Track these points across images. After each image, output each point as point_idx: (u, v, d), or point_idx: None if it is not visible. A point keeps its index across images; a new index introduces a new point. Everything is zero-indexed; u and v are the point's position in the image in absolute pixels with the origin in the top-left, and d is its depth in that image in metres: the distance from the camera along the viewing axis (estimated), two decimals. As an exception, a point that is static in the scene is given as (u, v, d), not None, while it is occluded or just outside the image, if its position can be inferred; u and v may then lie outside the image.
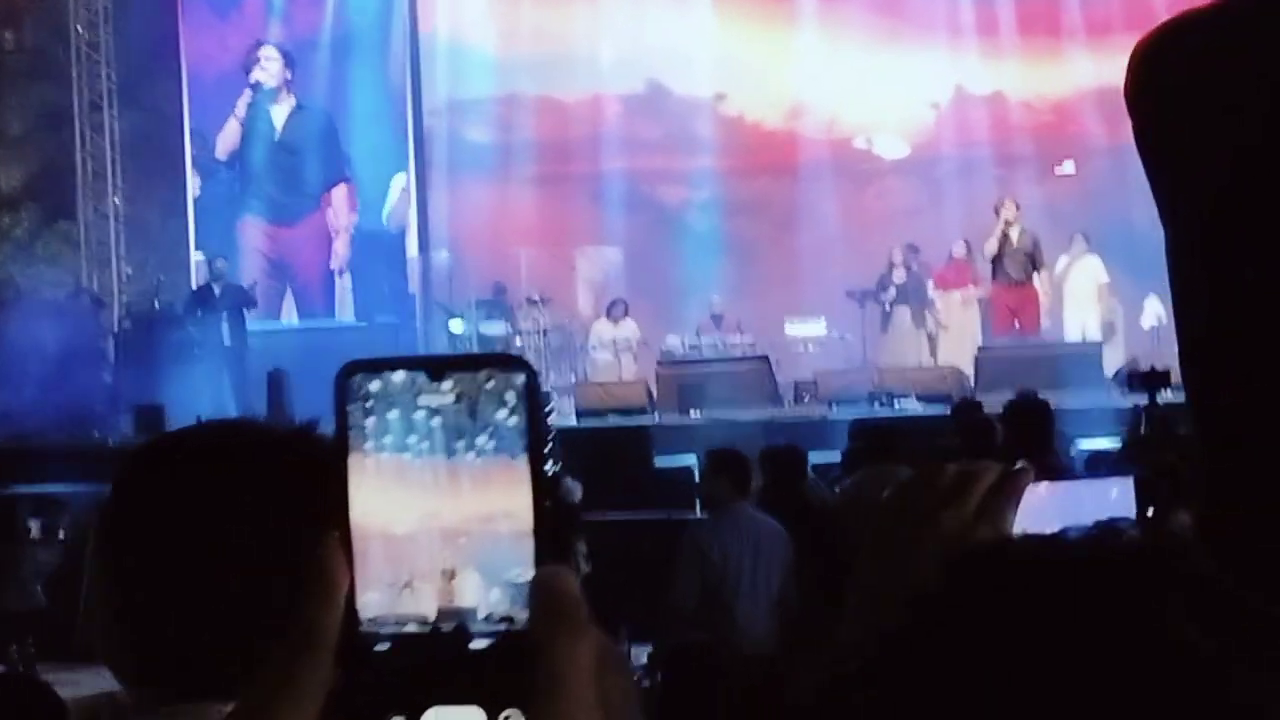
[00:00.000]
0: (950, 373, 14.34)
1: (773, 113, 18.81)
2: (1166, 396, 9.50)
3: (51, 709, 6.46)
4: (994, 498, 1.16)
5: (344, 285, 18.30)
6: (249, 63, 18.33)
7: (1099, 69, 17.35)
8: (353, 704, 0.70)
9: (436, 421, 0.70)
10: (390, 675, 0.70)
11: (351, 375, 0.71)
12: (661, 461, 12.33)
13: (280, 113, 18.32)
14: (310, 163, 18.22)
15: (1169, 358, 13.78)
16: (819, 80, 18.43)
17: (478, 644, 0.71)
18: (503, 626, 0.71)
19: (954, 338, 16.05)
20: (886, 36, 18.16)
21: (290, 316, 17.81)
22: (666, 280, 17.94)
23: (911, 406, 13.62)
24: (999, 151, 18.11)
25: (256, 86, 18.23)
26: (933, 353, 16.10)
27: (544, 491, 0.70)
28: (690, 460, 11.34)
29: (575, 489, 9.19)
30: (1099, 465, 8.05)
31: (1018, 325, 15.59)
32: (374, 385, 0.70)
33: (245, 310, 15.97)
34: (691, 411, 13.60)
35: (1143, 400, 12.10)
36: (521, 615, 0.70)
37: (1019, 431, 7.16)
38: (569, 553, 7.50)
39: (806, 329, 16.91)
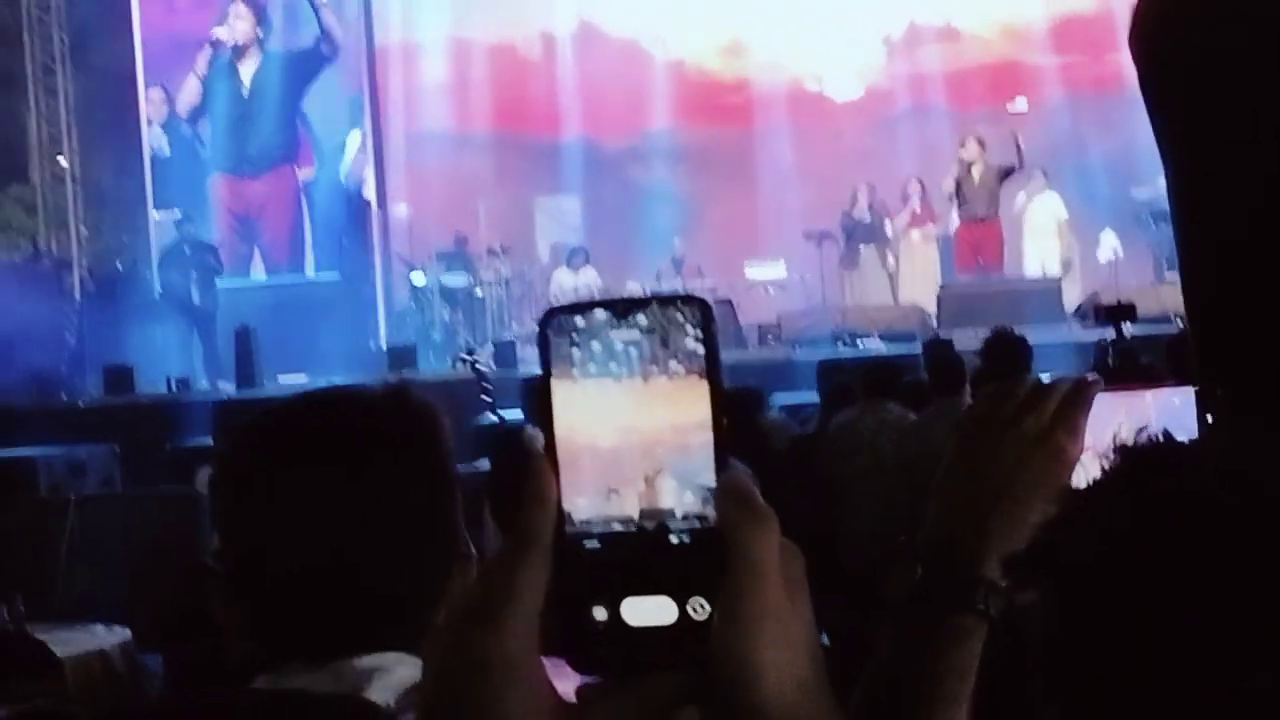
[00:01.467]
0: (912, 310, 14.49)
1: (723, 57, 18.82)
2: (1130, 330, 9.63)
3: (50, 665, 6.55)
4: (1068, 405, 1.29)
5: (304, 239, 18.27)
6: (217, 18, 18.18)
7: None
8: (560, 596, 0.81)
9: (630, 350, 0.83)
10: (592, 570, 0.82)
11: (552, 317, 0.84)
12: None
13: (247, 69, 18.21)
14: (275, 118, 18.14)
15: (1129, 291, 14.02)
16: (766, 20, 18.44)
17: (676, 539, 0.82)
18: (697, 524, 0.83)
19: (915, 275, 16.19)
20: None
21: (259, 272, 17.77)
22: (625, 227, 18.00)
23: (875, 345, 13.77)
24: (952, 89, 18.19)
25: (218, 44, 18.08)
26: (894, 291, 16.22)
27: (721, 406, 0.83)
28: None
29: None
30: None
31: (980, 261, 15.74)
32: (572, 323, 0.83)
33: (213, 267, 15.91)
34: (657, 356, 13.64)
35: (1109, 334, 12.34)
36: (713, 514, 0.83)
37: (999, 365, 7.30)
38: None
39: (767, 271, 17.01)
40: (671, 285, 16.40)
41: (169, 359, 15.18)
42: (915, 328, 14.11)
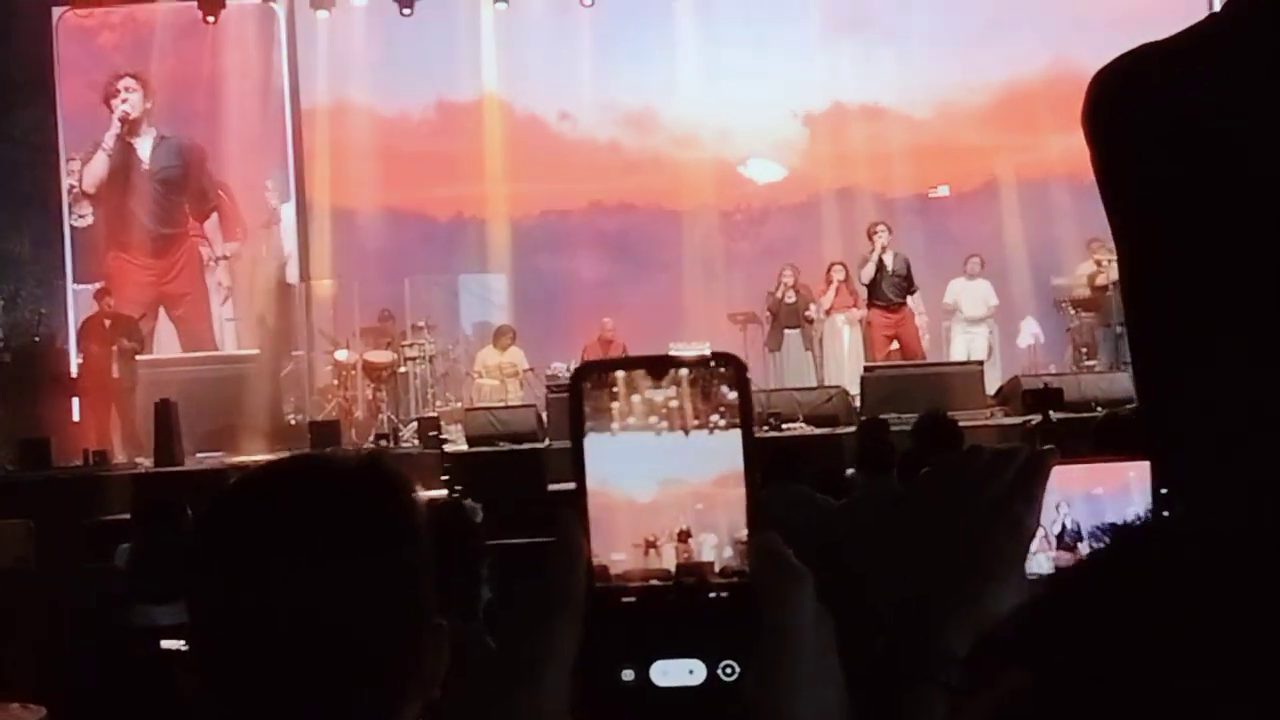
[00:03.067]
0: (836, 394, 14.56)
1: (646, 135, 18.96)
2: (1055, 415, 9.80)
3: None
4: (1026, 475, 1.28)
5: (224, 314, 18.11)
6: (109, 94, 18.09)
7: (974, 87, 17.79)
8: (590, 656, 0.80)
9: (669, 405, 0.82)
10: (625, 629, 0.81)
11: (587, 372, 0.83)
12: (554, 486, 12.39)
13: (145, 144, 18.10)
14: (181, 192, 18.03)
15: (1048, 377, 14.21)
16: (694, 101, 18.61)
17: (714, 594, 0.82)
18: (735, 580, 0.82)
19: (838, 359, 16.29)
20: (757, 49, 18.39)
21: (174, 348, 17.56)
22: (551, 306, 18.03)
23: (799, 429, 13.82)
24: (875, 173, 18.41)
25: (124, 119, 18.01)
26: (818, 375, 16.30)
27: (755, 462, 0.82)
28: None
29: (477, 511, 9.21)
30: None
31: (896, 346, 15.90)
32: (609, 378, 0.83)
33: (134, 341, 15.72)
34: (583, 436, 13.61)
35: (1033, 418, 12.52)
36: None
37: (928, 446, 7.34)
38: (478, 576, 7.50)
39: (691, 353, 16.97)
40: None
41: (86, 433, 14.97)
42: (839, 411, 14.19)
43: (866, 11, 18.28)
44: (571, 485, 0.84)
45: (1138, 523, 0.90)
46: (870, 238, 16.04)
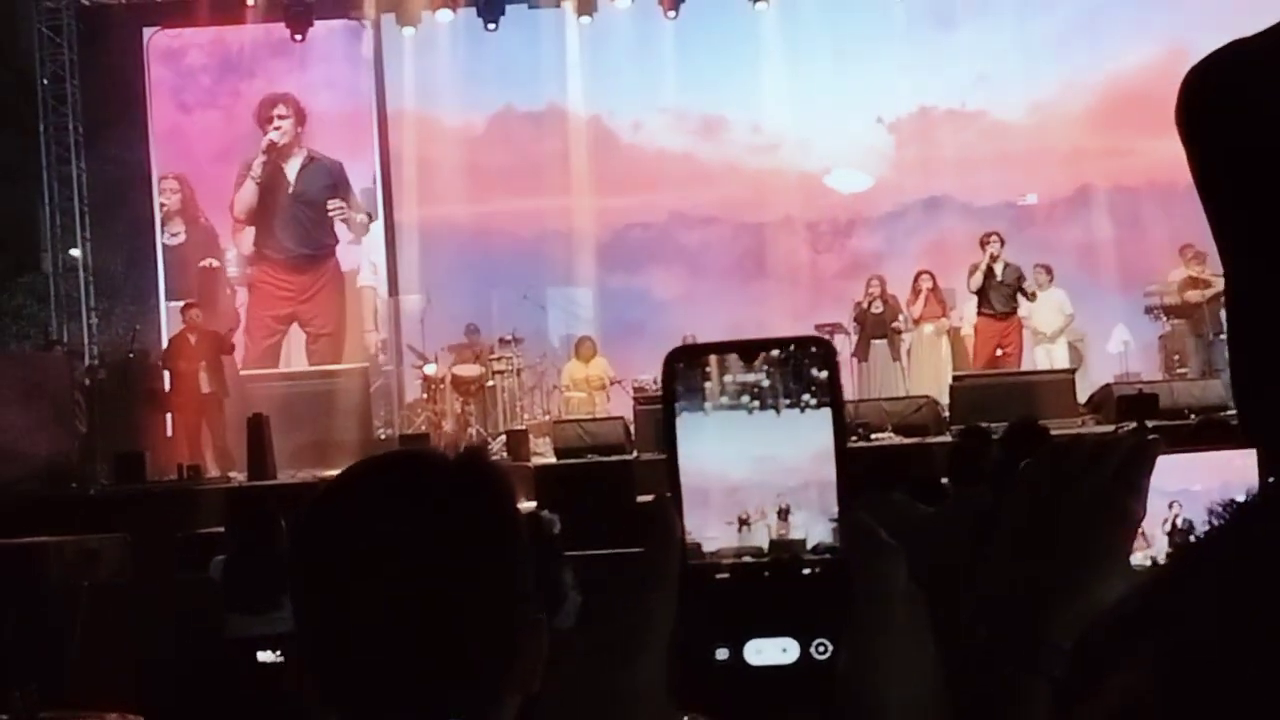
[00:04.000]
0: (925, 403, 14.44)
1: (734, 147, 18.94)
2: (1151, 422, 9.64)
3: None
4: (1131, 465, 1.25)
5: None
6: (262, 119, 18.38)
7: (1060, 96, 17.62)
8: (684, 636, 0.80)
9: (761, 384, 0.82)
10: (719, 607, 0.80)
11: (678, 357, 0.83)
12: (644, 498, 12.38)
13: (293, 166, 18.38)
14: (324, 212, 18.32)
15: (1141, 383, 14.02)
16: (777, 111, 18.58)
17: (808, 570, 0.81)
18: (828, 556, 0.81)
19: (925, 369, 16.19)
20: (840, 56, 18.32)
21: (299, 361, 17.87)
22: (636, 319, 18.05)
23: (888, 438, 13.73)
24: (963, 181, 18.29)
25: (271, 145, 18.31)
26: (905, 384, 16.21)
27: (845, 440, 0.82)
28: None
29: (554, 522, 9.23)
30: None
31: (1001, 355, 15.75)
32: (702, 358, 0.83)
33: (222, 355, 15.94)
34: (671, 448, 13.62)
35: (1124, 427, 12.35)
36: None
37: (1020, 455, 7.24)
38: (558, 583, 7.54)
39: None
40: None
41: (179, 447, 15.19)
42: (928, 421, 14.07)
43: (952, 11, 18.16)
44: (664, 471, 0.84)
45: (1249, 502, 0.88)
46: (983, 246, 15.91)
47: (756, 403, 0.83)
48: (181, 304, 16.64)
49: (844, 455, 0.83)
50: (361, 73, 18.76)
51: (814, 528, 0.82)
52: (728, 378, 0.83)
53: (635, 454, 13.78)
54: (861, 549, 0.81)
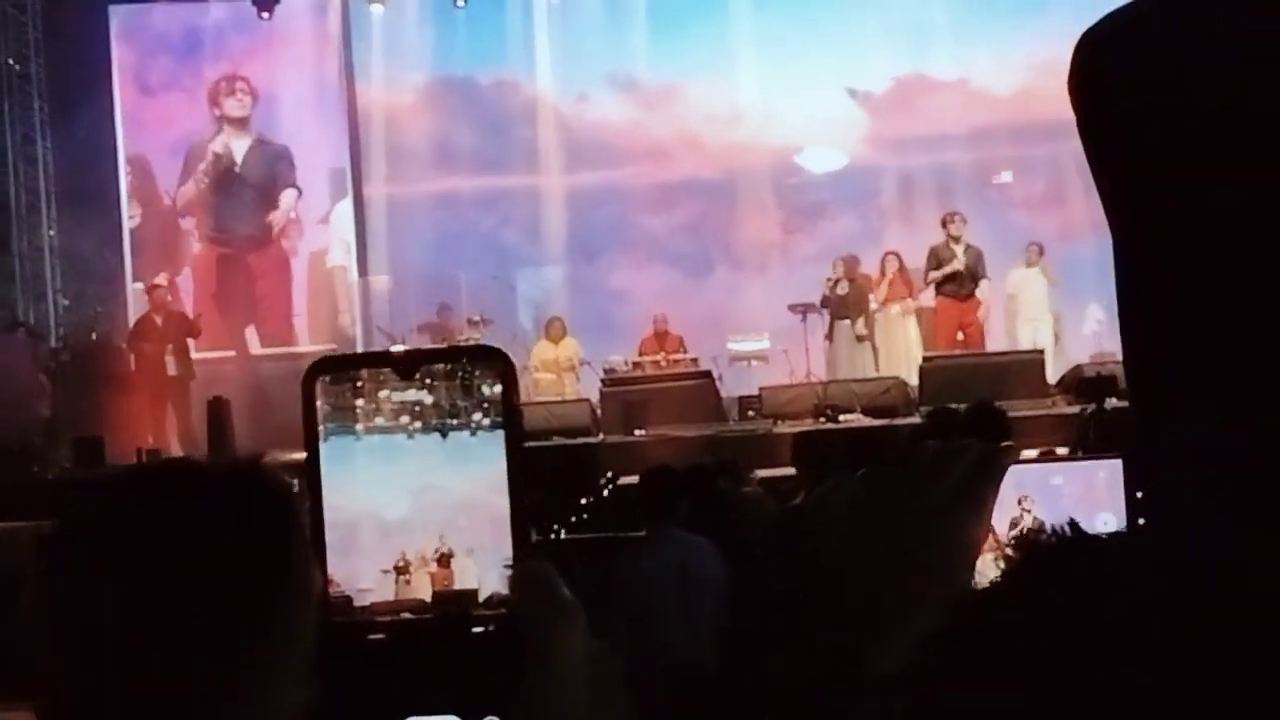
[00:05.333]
0: (894, 384, 14.38)
1: (708, 124, 18.81)
2: (1113, 402, 9.55)
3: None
4: (975, 477, 1.13)
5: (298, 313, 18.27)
6: (219, 93, 18.20)
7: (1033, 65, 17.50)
8: (329, 714, 0.67)
9: (413, 408, 0.69)
10: (370, 677, 0.68)
11: (318, 374, 0.70)
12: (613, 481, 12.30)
13: (240, 146, 18.20)
14: (268, 196, 18.14)
15: (1113, 366, 13.97)
16: (753, 87, 18.45)
17: (480, 628, 0.68)
18: (504, 610, 0.68)
19: (895, 350, 16.11)
20: (817, 33, 18.17)
21: (254, 346, 17.73)
22: (607, 299, 17.96)
23: (856, 419, 13.66)
24: (935, 160, 18.17)
25: (225, 119, 18.12)
26: (876, 366, 16.13)
27: (520, 466, 0.68)
28: (635, 479, 11.30)
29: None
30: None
31: (962, 337, 15.71)
32: (352, 374, 0.70)
33: (189, 339, 15.82)
34: (636, 430, 13.59)
35: (1089, 406, 12.27)
36: None
37: (979, 437, 7.13)
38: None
39: (749, 344, 16.91)
40: (654, 358, 16.32)
41: (141, 430, 15.06)
42: (897, 402, 14.01)
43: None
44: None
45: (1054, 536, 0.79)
46: (944, 226, 15.84)
47: (418, 424, 0.69)
48: (147, 286, 16.51)
49: (520, 487, 0.69)
50: (328, 50, 18.59)
51: (488, 575, 0.69)
52: (384, 394, 0.69)
53: (601, 436, 13.72)
54: (533, 607, 0.68)
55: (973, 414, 7.95)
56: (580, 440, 13.40)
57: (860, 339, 16.25)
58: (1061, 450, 10.24)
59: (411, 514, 0.68)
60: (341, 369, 0.69)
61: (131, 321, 16.85)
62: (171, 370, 15.43)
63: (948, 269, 15.68)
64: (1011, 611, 0.71)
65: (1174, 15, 1.35)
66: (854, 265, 16.57)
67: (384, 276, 18.21)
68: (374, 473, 0.68)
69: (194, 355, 16.03)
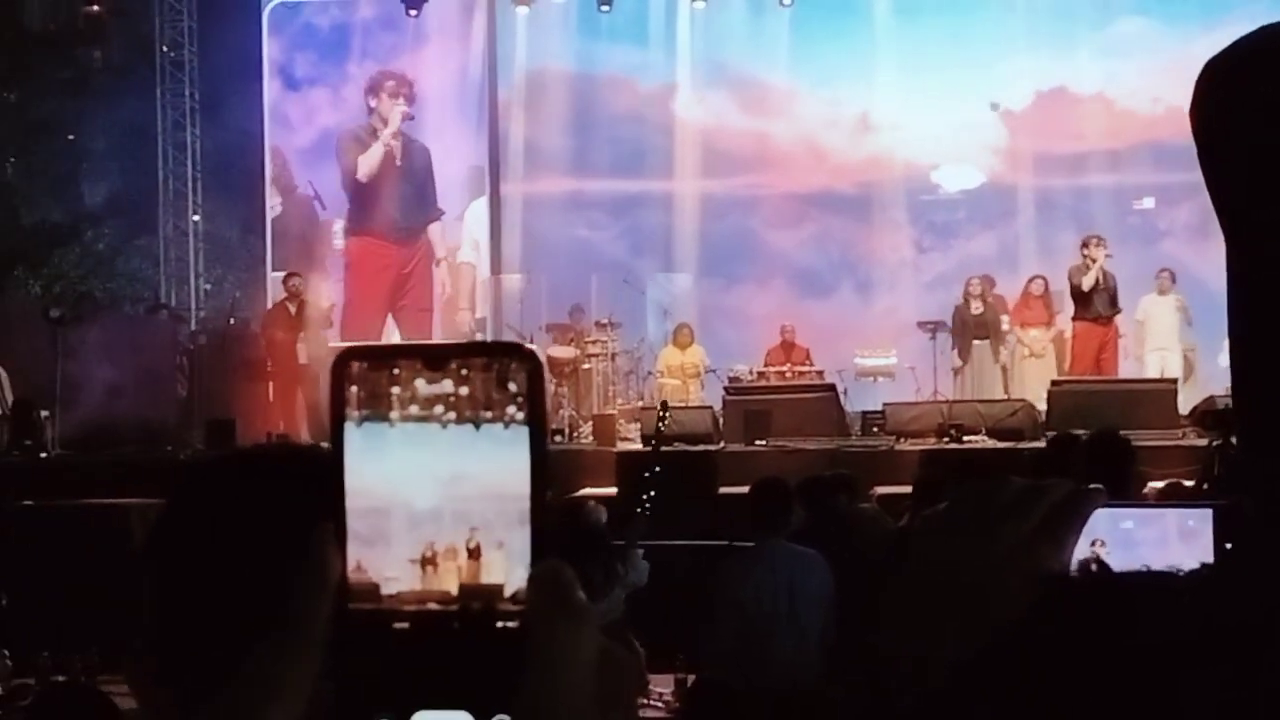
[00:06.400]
0: (1022, 407, 14.13)
1: (846, 136, 18.69)
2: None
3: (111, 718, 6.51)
4: (1059, 516, 1.12)
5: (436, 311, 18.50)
6: (388, 91, 18.48)
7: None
8: (338, 701, 0.68)
9: (449, 398, 0.69)
10: (387, 666, 0.68)
11: (349, 361, 0.71)
12: (726, 489, 12.26)
13: (396, 143, 18.49)
14: (423, 192, 18.39)
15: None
16: (891, 100, 18.32)
17: (503, 624, 0.69)
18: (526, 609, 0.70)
19: (1029, 373, 15.86)
20: (956, 43, 18.00)
21: (394, 338, 17.99)
22: (737, 307, 17.93)
23: (981, 441, 13.46)
24: (1073, 184, 17.90)
25: (405, 116, 18.43)
26: (1006, 388, 15.91)
27: (544, 465, 0.69)
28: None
29: (598, 511, 9.09)
30: (1172, 499, 7.86)
31: (1099, 362, 15.42)
32: (385, 362, 0.70)
33: (323, 329, 16.08)
34: (757, 440, 13.53)
35: (1217, 439, 11.99)
36: None
37: (1098, 467, 7.01)
38: (596, 573, 7.34)
39: (877, 360, 16.77)
40: (779, 368, 16.25)
41: (275, 416, 15.33)
42: (1024, 425, 13.77)
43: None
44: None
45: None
46: (1089, 249, 15.54)
47: (452, 414, 0.70)
48: (283, 276, 16.79)
49: (542, 487, 0.71)
50: (473, 49, 18.77)
51: (515, 571, 0.69)
52: (420, 383, 0.70)
53: (722, 444, 13.67)
54: (544, 609, 0.70)
55: (1094, 441, 7.81)
56: (700, 447, 13.37)
57: (993, 360, 16.03)
58: (1188, 483, 10.03)
59: (442, 504, 0.68)
60: (372, 358, 0.70)
61: (269, 307, 17.14)
62: (302, 358, 15.67)
63: (1087, 286, 15.39)
64: (1029, 647, 0.72)
65: None
66: (989, 285, 16.36)
67: (517, 275, 18.34)
68: (406, 461, 0.68)
69: (332, 345, 16.28)
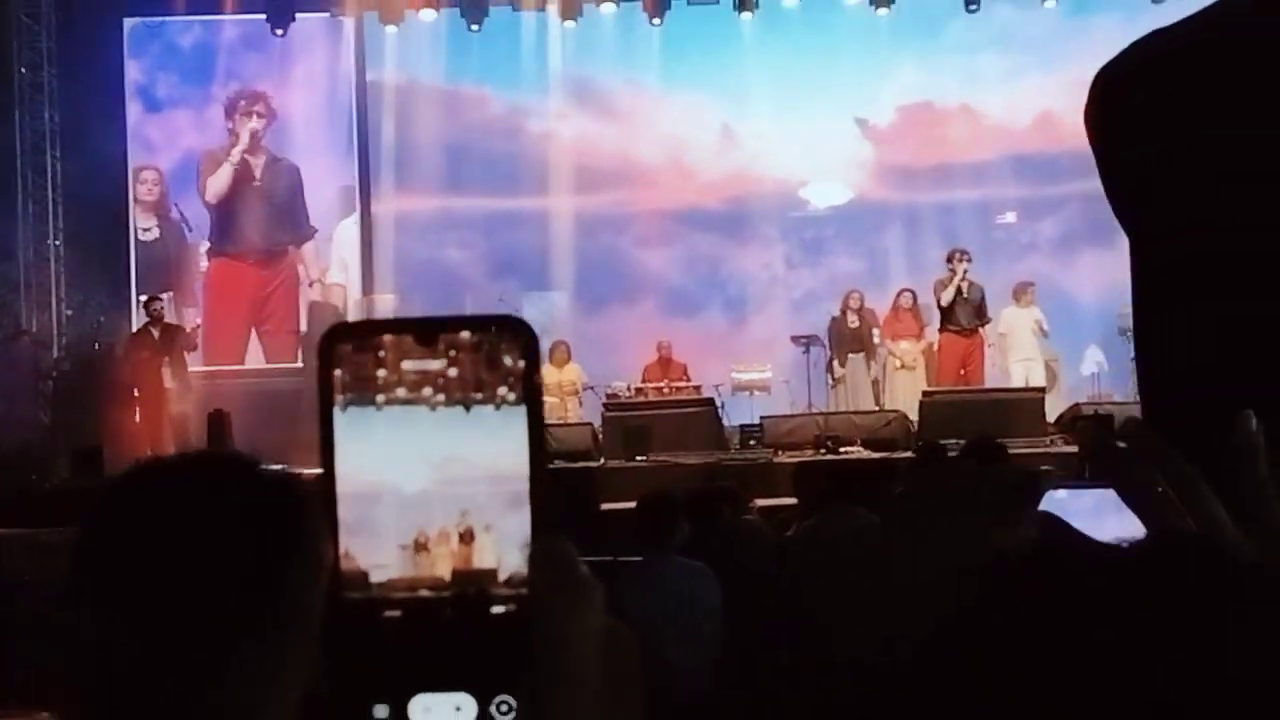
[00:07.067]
0: (895, 418, 14.38)
1: (718, 155, 18.84)
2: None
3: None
4: (1011, 497, 1.13)
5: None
6: (239, 110, 18.24)
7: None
8: (335, 689, 0.67)
9: (436, 379, 0.68)
10: (383, 653, 0.67)
11: (336, 339, 0.69)
12: (608, 505, 12.25)
13: (259, 163, 18.24)
14: (285, 214, 18.16)
15: (1112, 406, 13.96)
16: (760, 124, 18.50)
17: (499, 609, 0.68)
18: (524, 591, 0.68)
19: (900, 385, 16.10)
20: (823, 60, 18.22)
21: (257, 360, 17.72)
22: (612, 324, 17.96)
23: (856, 452, 13.65)
24: (940, 198, 18.20)
25: (253, 134, 18.18)
26: (878, 399, 16.14)
27: (543, 449, 0.68)
28: (632, 505, 11.29)
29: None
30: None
31: (964, 373, 15.71)
32: (372, 341, 0.69)
33: (187, 352, 15.83)
34: (637, 456, 13.57)
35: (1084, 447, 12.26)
36: None
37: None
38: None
39: (752, 374, 16.91)
40: (657, 384, 16.32)
41: (141, 442, 15.04)
42: (897, 435, 14.00)
43: (936, 13, 18.09)
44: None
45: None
46: (952, 263, 15.84)
47: (441, 396, 0.68)
48: (144, 299, 16.53)
49: (541, 464, 0.69)
50: (341, 69, 18.63)
51: (508, 555, 0.68)
52: (406, 364, 0.68)
53: (602, 461, 13.70)
54: (549, 584, 0.67)
55: (972, 450, 7.97)
56: (580, 464, 13.37)
57: (866, 372, 16.26)
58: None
59: (432, 489, 0.67)
60: (360, 335, 0.68)
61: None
62: (168, 382, 15.42)
63: (945, 301, 15.70)
64: (983, 633, 0.73)
65: (1189, 52, 1.35)
66: (860, 300, 16.58)
67: (390, 295, 18.20)
68: (394, 445, 0.67)
69: (194, 369, 16.02)
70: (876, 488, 8.52)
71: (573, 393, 16.44)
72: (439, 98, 18.70)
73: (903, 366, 16.30)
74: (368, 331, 0.69)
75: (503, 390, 0.68)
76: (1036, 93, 17.69)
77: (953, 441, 10.67)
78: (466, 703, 0.67)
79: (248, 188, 18.16)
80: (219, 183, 18.14)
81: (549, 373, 16.58)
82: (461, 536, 0.68)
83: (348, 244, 18.55)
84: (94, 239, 18.84)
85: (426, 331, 0.69)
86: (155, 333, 15.75)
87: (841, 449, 13.66)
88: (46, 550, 11.37)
